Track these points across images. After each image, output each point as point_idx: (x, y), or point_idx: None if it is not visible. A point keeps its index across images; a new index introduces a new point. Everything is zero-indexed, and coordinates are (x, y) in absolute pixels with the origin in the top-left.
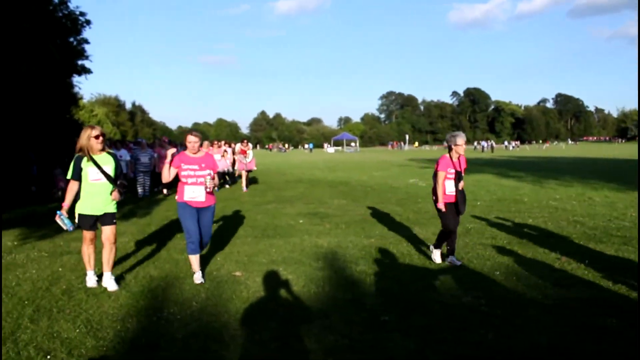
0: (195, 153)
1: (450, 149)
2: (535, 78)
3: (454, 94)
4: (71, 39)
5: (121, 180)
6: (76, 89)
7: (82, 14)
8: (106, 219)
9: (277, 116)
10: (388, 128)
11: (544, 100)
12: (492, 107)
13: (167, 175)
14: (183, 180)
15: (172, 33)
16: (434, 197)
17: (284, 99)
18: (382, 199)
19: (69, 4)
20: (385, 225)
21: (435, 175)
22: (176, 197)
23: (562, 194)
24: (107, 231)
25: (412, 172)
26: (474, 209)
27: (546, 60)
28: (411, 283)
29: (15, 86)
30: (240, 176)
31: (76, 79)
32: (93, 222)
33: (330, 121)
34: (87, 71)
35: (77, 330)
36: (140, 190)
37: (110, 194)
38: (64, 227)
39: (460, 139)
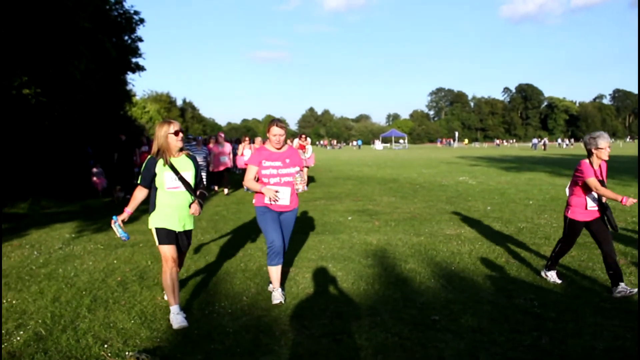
0: (279, 148)
1: (590, 154)
2: (591, 73)
3: (506, 90)
4: (126, 37)
5: (201, 189)
6: (129, 86)
7: (137, 12)
8: (182, 238)
9: (326, 113)
10: (437, 125)
11: (601, 96)
12: (545, 103)
13: (254, 184)
14: (264, 180)
15: (222, 29)
16: (568, 212)
17: (333, 95)
18: (432, 196)
19: (124, 3)
20: (435, 223)
21: (574, 185)
22: (254, 201)
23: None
24: (180, 256)
25: (462, 169)
26: (526, 208)
27: (604, 54)
28: (461, 282)
29: (75, 83)
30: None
31: (130, 76)
32: (173, 237)
33: (379, 118)
34: (140, 69)
35: (132, 321)
36: None
37: (189, 206)
38: (118, 235)
39: (604, 141)
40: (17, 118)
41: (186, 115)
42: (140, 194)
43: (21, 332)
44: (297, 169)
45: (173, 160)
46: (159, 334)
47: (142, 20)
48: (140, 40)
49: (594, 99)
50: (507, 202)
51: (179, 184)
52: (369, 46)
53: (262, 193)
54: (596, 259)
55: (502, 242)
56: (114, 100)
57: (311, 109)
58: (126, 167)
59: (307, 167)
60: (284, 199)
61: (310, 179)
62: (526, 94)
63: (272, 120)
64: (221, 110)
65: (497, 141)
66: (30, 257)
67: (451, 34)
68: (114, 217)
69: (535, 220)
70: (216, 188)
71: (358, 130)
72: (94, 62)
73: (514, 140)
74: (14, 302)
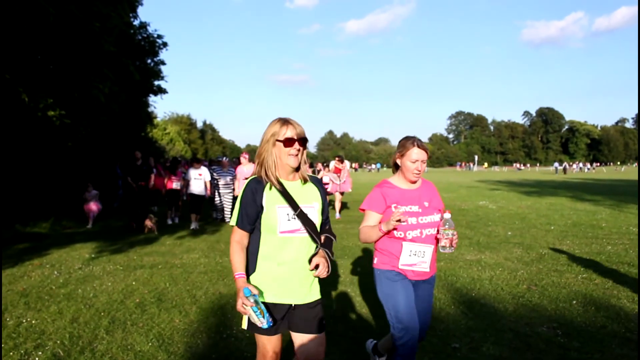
0: (414, 182)
1: None
2: (613, 97)
3: (526, 113)
4: (149, 61)
5: (327, 232)
6: (151, 108)
7: (160, 36)
8: (306, 315)
9: (345, 135)
10: (456, 148)
11: (623, 120)
12: (566, 127)
13: (372, 232)
14: (397, 234)
15: (243, 52)
16: None
17: (352, 118)
18: (453, 221)
19: (147, 27)
20: (455, 248)
21: None
22: (374, 261)
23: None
24: (310, 346)
25: (482, 193)
26: (547, 233)
27: (626, 77)
28: (482, 309)
29: (99, 106)
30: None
31: (152, 99)
32: (281, 319)
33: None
34: (162, 91)
35: (150, 344)
36: (215, 214)
37: (309, 261)
38: (255, 320)
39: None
40: (41, 139)
41: (206, 137)
42: (242, 242)
43: (40, 353)
44: (448, 215)
45: (288, 185)
46: (176, 357)
47: (165, 44)
48: (163, 63)
49: (616, 123)
50: (528, 227)
51: (300, 224)
52: (389, 69)
53: (386, 234)
54: (621, 287)
55: (524, 268)
56: (136, 122)
57: (330, 132)
58: (140, 192)
59: (342, 193)
60: (424, 262)
61: (344, 205)
62: (547, 118)
63: (407, 138)
64: (241, 132)
65: (517, 165)
66: (51, 276)
67: (471, 57)
68: (245, 290)
69: (557, 246)
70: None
71: (377, 154)
72: (118, 84)
73: (529, 165)
74: (33, 322)
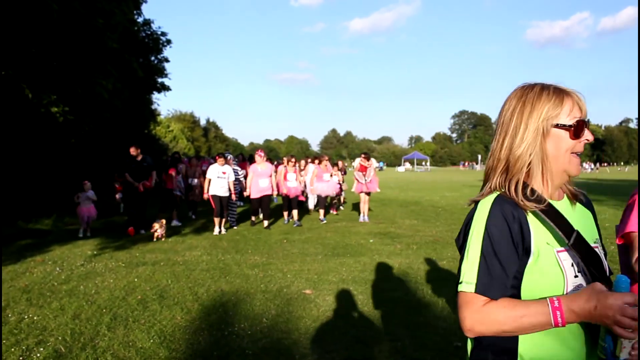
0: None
1: None
2: (617, 97)
3: None
4: (152, 58)
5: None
6: (154, 105)
7: (164, 34)
8: None
9: (348, 134)
10: (460, 148)
11: (627, 120)
12: None
13: None
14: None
15: (248, 50)
16: None
17: (355, 117)
18: (454, 220)
19: (152, 24)
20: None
21: None
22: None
23: None
24: None
25: None
26: None
27: (630, 77)
28: None
29: (102, 102)
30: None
31: (155, 96)
32: None
33: (401, 140)
34: (166, 88)
35: (151, 341)
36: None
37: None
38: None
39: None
40: (44, 135)
41: (209, 135)
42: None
43: (41, 349)
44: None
45: (562, 208)
46: (178, 354)
47: (169, 42)
48: (167, 60)
49: (620, 123)
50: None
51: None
52: (393, 68)
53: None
54: None
55: None
56: (139, 119)
57: (333, 130)
58: (144, 193)
59: (369, 193)
60: None
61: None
62: None
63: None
64: (244, 130)
65: None
66: (53, 273)
67: (475, 56)
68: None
69: None
70: (253, 218)
71: (380, 152)
72: (121, 81)
73: None
74: (35, 318)
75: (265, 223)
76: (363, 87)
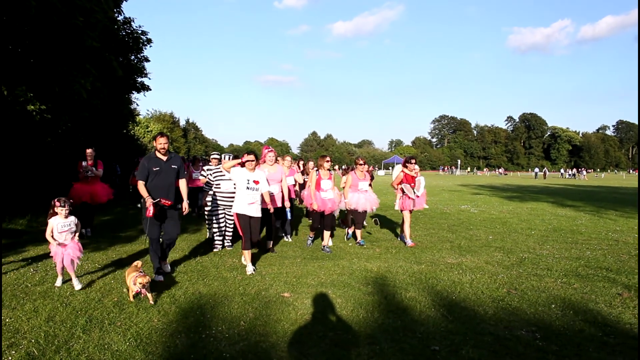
0: None
1: None
2: (595, 104)
3: (509, 119)
4: (132, 57)
5: None
6: (134, 105)
7: (144, 33)
8: None
9: (329, 137)
10: (439, 152)
11: (604, 127)
12: (548, 133)
13: None
14: None
15: (232, 52)
16: None
17: (336, 120)
18: (433, 224)
19: (132, 23)
20: (436, 251)
21: None
22: None
23: (622, 226)
24: None
25: (464, 198)
26: (528, 238)
27: (608, 85)
28: (462, 313)
29: (80, 101)
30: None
31: (134, 96)
32: None
33: (381, 144)
34: (146, 88)
35: (127, 344)
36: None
37: None
38: None
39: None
40: (19, 134)
41: (189, 136)
42: None
43: (13, 352)
44: None
45: None
46: (155, 357)
47: (149, 41)
48: (147, 60)
49: (597, 130)
50: (509, 232)
51: None
52: (375, 72)
53: None
54: (599, 292)
55: (504, 272)
56: (118, 118)
57: (314, 133)
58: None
59: (411, 211)
60: None
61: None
62: (530, 124)
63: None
64: (224, 131)
65: (501, 170)
66: (26, 274)
67: (457, 61)
68: None
69: (537, 251)
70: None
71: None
72: (100, 80)
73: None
74: (7, 320)
75: (288, 238)
76: (345, 90)
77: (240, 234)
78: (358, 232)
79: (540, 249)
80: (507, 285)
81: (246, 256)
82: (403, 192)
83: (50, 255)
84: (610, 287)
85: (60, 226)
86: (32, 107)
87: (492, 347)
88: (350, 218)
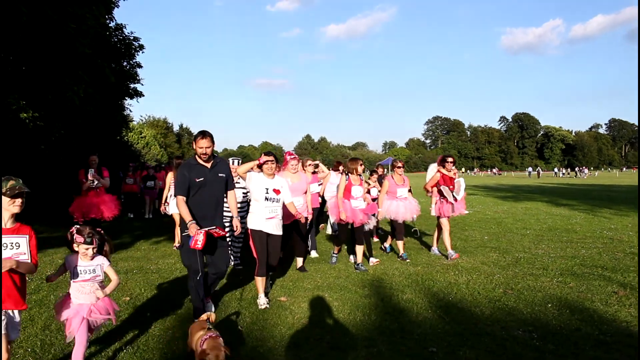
0: None
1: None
2: (587, 103)
3: (502, 119)
4: (125, 63)
5: None
6: (127, 111)
7: (136, 39)
8: None
9: (322, 140)
10: (433, 153)
11: (597, 126)
12: (542, 132)
13: None
14: None
15: (224, 56)
16: None
17: (330, 122)
18: (428, 226)
19: (124, 29)
20: (432, 253)
21: None
22: None
23: (617, 224)
24: None
25: None
26: (523, 238)
27: (600, 84)
28: (459, 314)
29: (73, 108)
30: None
31: (127, 102)
32: None
33: (375, 146)
34: (139, 94)
35: (125, 351)
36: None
37: None
38: None
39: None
40: (12, 142)
41: (182, 141)
42: None
43: None
44: None
45: None
46: None
47: (141, 47)
48: (140, 66)
49: (590, 129)
50: (505, 232)
51: None
52: (368, 74)
53: None
54: (595, 290)
55: (500, 272)
56: (111, 125)
57: (308, 136)
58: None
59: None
60: None
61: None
62: (523, 123)
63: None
64: (218, 136)
65: (495, 170)
66: None
67: (449, 62)
68: None
69: (532, 251)
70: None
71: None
72: (93, 87)
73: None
74: None
75: (299, 261)
76: (338, 92)
77: (255, 255)
78: (400, 244)
79: (536, 249)
80: (503, 285)
81: (259, 285)
82: (441, 195)
83: (62, 320)
84: (605, 285)
85: (82, 271)
86: (25, 115)
87: (490, 347)
88: (341, 237)
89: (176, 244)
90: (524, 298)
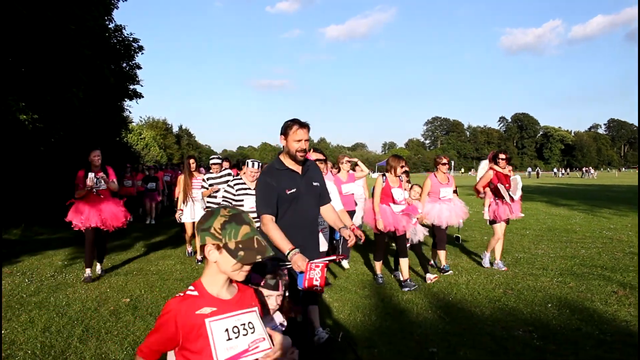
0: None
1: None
2: (587, 103)
3: (501, 119)
4: (124, 64)
5: None
6: (126, 113)
7: (136, 40)
8: None
9: (322, 140)
10: (433, 154)
11: (596, 126)
12: (541, 132)
13: None
14: None
15: (223, 57)
16: None
17: (329, 123)
18: (427, 226)
19: (123, 30)
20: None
21: None
22: None
23: (616, 224)
24: None
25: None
26: (523, 238)
27: (599, 84)
28: (459, 314)
29: (73, 110)
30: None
31: (127, 103)
32: None
33: (375, 146)
34: (138, 95)
35: (125, 352)
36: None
37: None
38: None
39: None
40: (12, 143)
41: (182, 142)
42: None
43: None
44: None
45: None
46: None
47: (141, 48)
48: (139, 67)
49: (589, 129)
50: (504, 232)
51: None
52: (367, 75)
53: None
54: (595, 290)
55: (500, 272)
56: (111, 126)
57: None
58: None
59: (507, 220)
60: None
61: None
62: (522, 124)
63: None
64: (217, 137)
65: None
66: (21, 284)
67: (449, 63)
68: None
69: (532, 251)
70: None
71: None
72: (93, 88)
73: None
74: (3, 331)
75: (345, 263)
76: (338, 93)
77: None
78: (442, 255)
79: (536, 249)
80: (503, 285)
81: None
82: (496, 195)
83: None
84: (605, 285)
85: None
86: (24, 116)
87: (490, 347)
88: (379, 252)
89: (198, 257)
90: (524, 298)
